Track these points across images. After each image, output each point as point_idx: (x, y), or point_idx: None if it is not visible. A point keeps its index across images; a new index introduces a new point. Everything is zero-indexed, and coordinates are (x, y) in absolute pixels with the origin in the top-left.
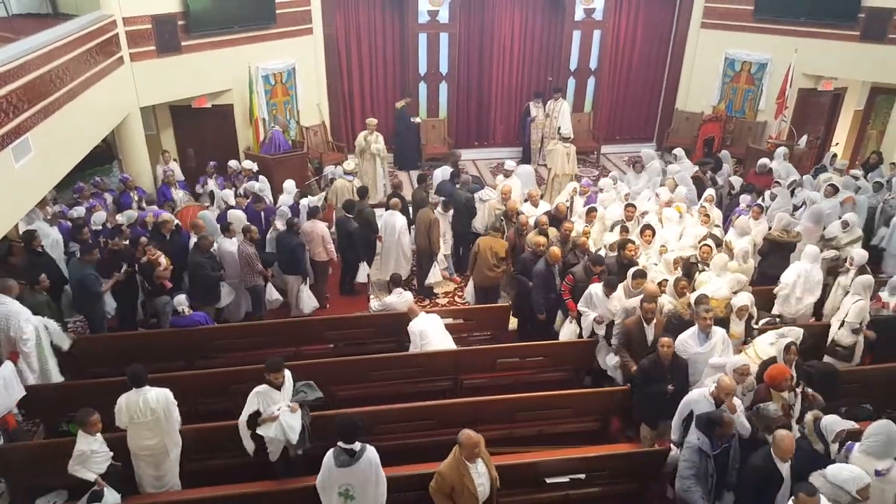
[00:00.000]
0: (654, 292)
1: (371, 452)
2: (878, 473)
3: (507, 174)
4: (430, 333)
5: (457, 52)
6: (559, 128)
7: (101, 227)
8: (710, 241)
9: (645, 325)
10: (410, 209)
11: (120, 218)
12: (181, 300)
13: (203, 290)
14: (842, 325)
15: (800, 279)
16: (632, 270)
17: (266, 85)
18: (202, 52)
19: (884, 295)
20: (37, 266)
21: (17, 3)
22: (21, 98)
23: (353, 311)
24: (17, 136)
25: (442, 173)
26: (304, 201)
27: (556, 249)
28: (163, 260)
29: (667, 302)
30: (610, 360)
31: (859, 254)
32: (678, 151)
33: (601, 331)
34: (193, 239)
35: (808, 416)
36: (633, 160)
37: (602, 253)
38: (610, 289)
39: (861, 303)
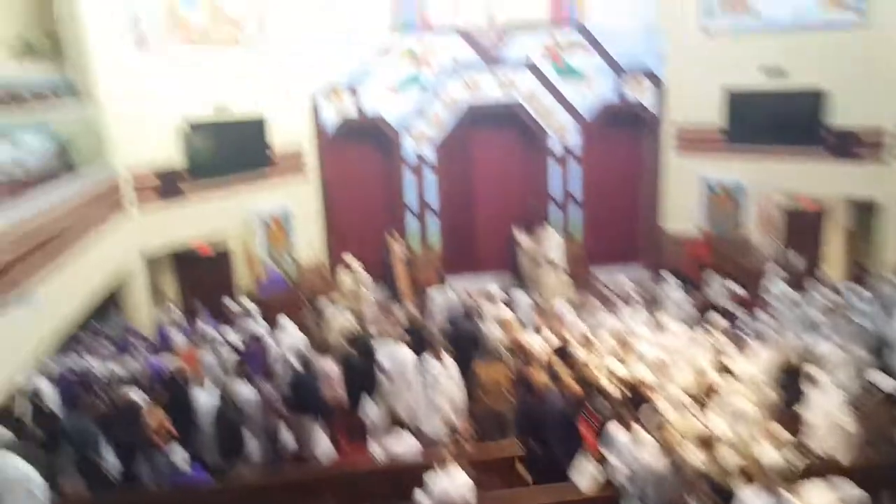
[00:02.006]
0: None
1: None
2: None
3: (493, 300)
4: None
5: (443, 188)
6: (548, 254)
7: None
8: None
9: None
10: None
11: (121, 370)
12: (182, 456)
13: (230, 443)
14: None
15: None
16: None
17: (263, 227)
18: (202, 200)
19: None
20: (41, 426)
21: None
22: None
23: (360, 457)
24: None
25: (444, 298)
26: None
27: (575, 385)
28: (152, 420)
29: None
30: None
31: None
32: (665, 274)
33: (626, 481)
34: (200, 391)
35: None
36: (623, 296)
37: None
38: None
39: None
